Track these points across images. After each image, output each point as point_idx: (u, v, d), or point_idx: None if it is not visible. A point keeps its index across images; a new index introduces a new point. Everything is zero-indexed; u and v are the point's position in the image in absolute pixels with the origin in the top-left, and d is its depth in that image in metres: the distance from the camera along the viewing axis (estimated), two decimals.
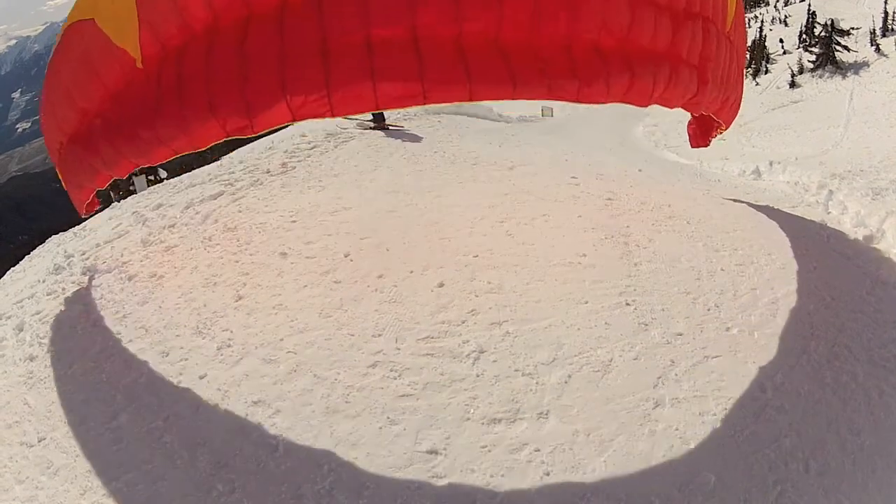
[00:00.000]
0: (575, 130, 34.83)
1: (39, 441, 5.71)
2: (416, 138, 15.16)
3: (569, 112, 48.43)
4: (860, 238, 9.31)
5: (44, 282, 8.60)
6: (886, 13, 45.97)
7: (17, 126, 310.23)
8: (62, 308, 7.77)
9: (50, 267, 9.00)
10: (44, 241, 11.26)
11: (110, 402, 6.03)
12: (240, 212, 10.13)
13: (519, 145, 15.79)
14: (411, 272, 7.72)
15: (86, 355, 6.79)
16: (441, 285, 7.38)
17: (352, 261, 8.12)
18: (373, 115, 16.00)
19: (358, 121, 17.12)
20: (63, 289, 8.26)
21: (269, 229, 9.31)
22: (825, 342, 6.58)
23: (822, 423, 5.52)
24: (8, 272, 10.18)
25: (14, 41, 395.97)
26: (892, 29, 44.97)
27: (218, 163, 15.14)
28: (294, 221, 9.51)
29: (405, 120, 18.11)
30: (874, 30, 44.15)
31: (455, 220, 9.39)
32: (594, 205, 10.08)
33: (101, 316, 7.49)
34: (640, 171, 13.35)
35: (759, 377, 5.94)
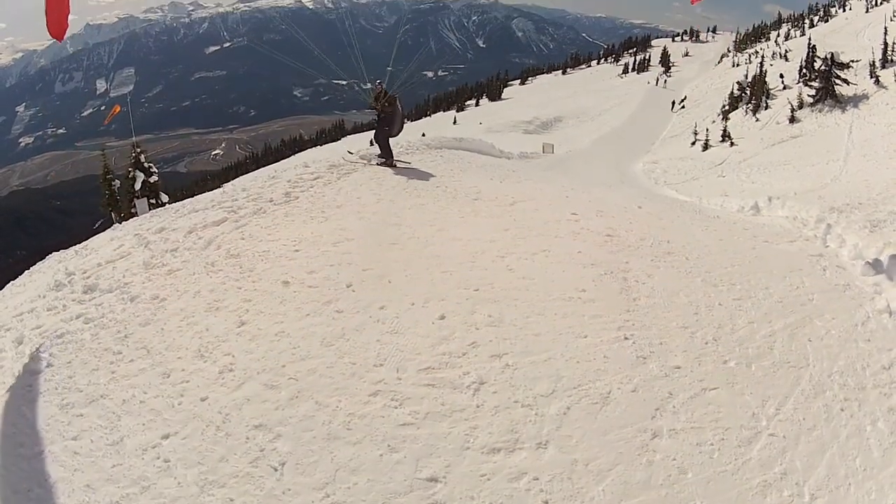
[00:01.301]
0: (575, 167, 35.14)
1: (37, 454, 5.77)
2: (418, 172, 15.24)
3: (569, 149, 48.84)
4: (857, 269, 9.44)
5: (44, 297, 8.71)
6: (886, 44, 46.22)
7: (20, 140, 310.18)
8: (63, 324, 7.86)
9: (51, 283, 9.11)
10: (43, 258, 11.38)
11: (110, 419, 6.12)
12: (243, 239, 10.19)
13: (520, 181, 15.91)
14: (413, 304, 7.77)
15: (86, 372, 6.89)
16: (442, 317, 7.42)
17: (354, 291, 8.16)
18: (380, 150, 16.12)
19: (362, 154, 17.25)
20: (64, 305, 8.36)
21: (272, 257, 9.37)
22: (819, 371, 6.72)
23: (816, 449, 5.63)
24: (7, 285, 10.29)
25: (20, 54, 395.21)
26: (892, 60, 45.09)
27: (221, 189, 15.22)
28: (297, 251, 9.58)
29: (407, 154, 18.22)
30: (874, 62, 44.41)
31: (456, 253, 9.46)
32: (594, 241, 10.16)
33: (102, 334, 7.57)
34: (639, 207, 13.42)
35: (755, 407, 6.05)
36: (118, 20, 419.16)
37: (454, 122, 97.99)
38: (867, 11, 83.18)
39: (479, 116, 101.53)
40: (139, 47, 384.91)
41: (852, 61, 45.02)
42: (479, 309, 7.63)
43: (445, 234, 10.41)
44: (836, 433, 5.83)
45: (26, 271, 10.95)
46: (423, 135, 19.79)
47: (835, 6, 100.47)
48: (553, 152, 45.05)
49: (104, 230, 12.95)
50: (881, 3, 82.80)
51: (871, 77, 43.63)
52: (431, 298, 7.89)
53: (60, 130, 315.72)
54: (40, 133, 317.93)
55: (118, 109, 31.95)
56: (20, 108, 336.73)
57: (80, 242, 11.85)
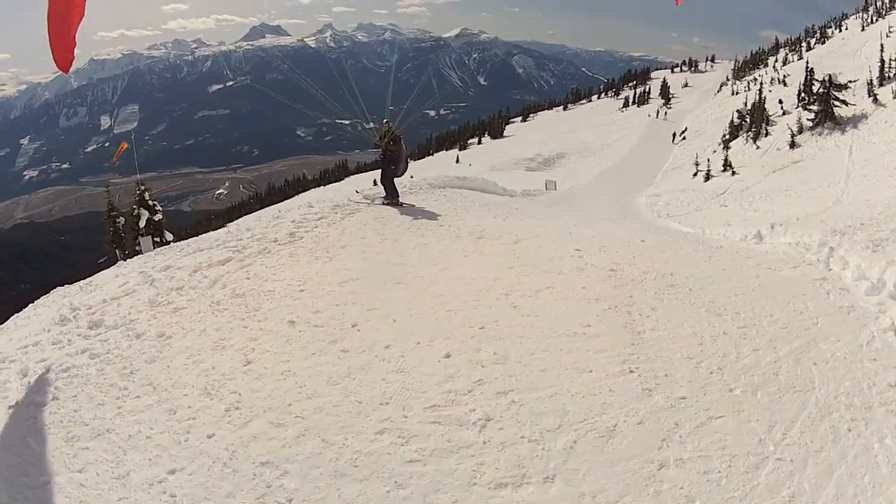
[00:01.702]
0: (578, 203, 35.22)
1: (42, 484, 5.78)
2: (422, 212, 15.35)
3: (571, 185, 48.95)
4: (861, 290, 9.50)
5: (49, 331, 8.75)
6: (883, 61, 46.29)
7: (24, 173, 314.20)
8: (68, 358, 7.89)
9: (55, 317, 9.14)
10: (48, 292, 11.41)
11: (116, 453, 6.13)
12: (248, 278, 10.26)
13: (523, 219, 15.98)
14: (418, 343, 7.80)
15: (91, 406, 6.92)
16: (447, 356, 7.44)
17: (359, 331, 8.20)
18: (385, 190, 16.22)
19: (366, 193, 17.35)
20: (69, 340, 8.39)
21: (278, 297, 9.43)
22: (825, 394, 6.73)
23: (824, 471, 5.61)
24: (12, 318, 10.32)
25: (25, 86, 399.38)
26: (889, 77, 45.14)
27: (225, 229, 15.33)
28: (302, 290, 9.64)
29: (410, 194, 18.33)
30: (871, 80, 44.49)
31: (461, 292, 9.52)
32: (598, 276, 10.24)
33: (108, 370, 7.61)
34: (642, 241, 13.48)
35: (761, 434, 6.04)
36: (122, 56, 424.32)
37: (457, 161, 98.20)
38: (863, 29, 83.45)
39: (481, 154, 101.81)
40: (143, 84, 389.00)
41: (850, 81, 45.25)
42: (485, 347, 7.65)
43: (450, 273, 10.48)
44: (844, 453, 5.83)
45: (30, 305, 10.99)
46: (412, 177, 19.79)
47: (831, 27, 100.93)
48: (556, 189, 45.23)
49: (108, 267, 13.01)
50: (876, 20, 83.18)
51: (870, 96, 43.83)
52: (437, 337, 7.92)
53: (65, 165, 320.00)
54: (45, 167, 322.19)
55: (125, 146, 32.23)
56: (24, 141, 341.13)
57: (84, 278, 11.93)
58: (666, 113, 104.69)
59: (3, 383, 7.37)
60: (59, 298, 10.75)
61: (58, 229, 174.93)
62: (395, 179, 16.29)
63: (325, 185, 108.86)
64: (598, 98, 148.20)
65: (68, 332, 8.59)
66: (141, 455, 6.05)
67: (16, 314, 10.52)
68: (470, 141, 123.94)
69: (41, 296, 11.42)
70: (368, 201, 16.23)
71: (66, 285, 11.61)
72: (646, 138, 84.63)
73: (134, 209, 30.26)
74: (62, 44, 7.65)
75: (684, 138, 79.20)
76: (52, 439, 6.38)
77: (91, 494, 5.63)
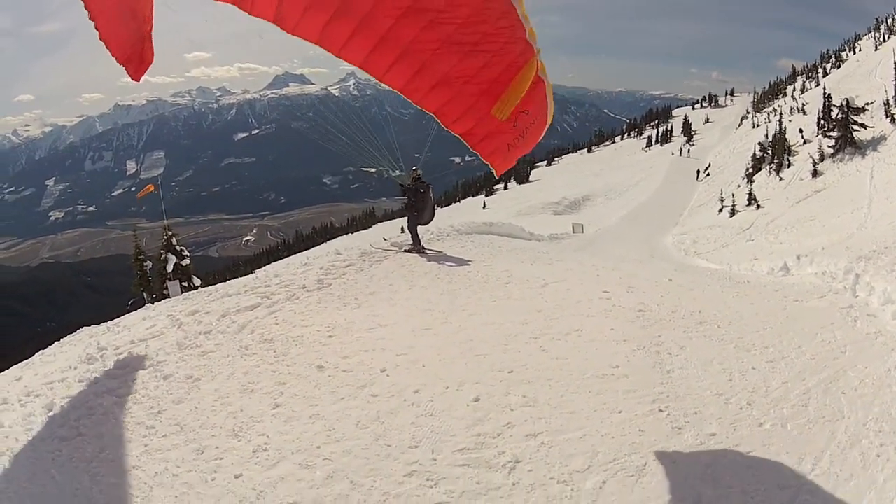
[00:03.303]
0: (605, 245, 35.15)
1: None
2: (449, 258, 15.49)
3: (598, 227, 48.90)
4: (888, 314, 9.51)
5: (75, 369, 8.72)
6: None
7: (49, 214, 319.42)
8: (94, 397, 7.89)
9: (82, 356, 9.14)
10: (73, 332, 11.43)
11: (142, 489, 6.11)
12: (276, 324, 10.33)
13: (551, 263, 16.05)
14: (447, 387, 7.81)
15: (117, 443, 6.90)
16: (476, 400, 7.45)
17: (388, 376, 8.23)
18: (412, 238, 16.33)
19: (393, 241, 17.47)
20: (95, 379, 8.38)
21: (306, 342, 9.49)
22: (854, 423, 6.69)
23: (853, 498, 5.57)
24: (37, 353, 10.34)
25: (49, 128, 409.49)
26: None
27: (253, 275, 15.45)
28: (331, 336, 9.70)
29: (438, 241, 18.51)
30: (888, 100, 44.13)
31: (489, 336, 9.55)
32: (626, 317, 10.27)
33: (135, 409, 7.62)
34: (670, 280, 13.49)
35: (791, 466, 6.01)
36: (147, 102, 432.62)
37: (483, 207, 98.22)
38: (876, 49, 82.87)
39: (508, 200, 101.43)
40: (168, 130, 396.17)
41: (867, 104, 45.00)
42: (514, 390, 7.66)
43: (478, 318, 10.52)
44: (874, 479, 5.78)
45: (56, 343, 11.01)
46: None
47: (845, 49, 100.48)
48: (583, 232, 45.23)
49: (136, 309, 13.13)
50: (888, 38, 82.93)
51: (887, 116, 43.63)
52: (466, 381, 7.93)
53: (91, 208, 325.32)
54: (70, 208, 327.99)
55: (151, 188, 32.61)
56: (50, 182, 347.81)
57: (111, 319, 12.01)
58: (689, 150, 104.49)
59: (28, 416, 7.35)
60: (86, 338, 10.77)
61: (84, 270, 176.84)
62: (420, 227, 16.38)
63: (352, 233, 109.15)
64: (622, 139, 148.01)
65: (95, 371, 8.60)
66: (167, 492, 6.05)
67: (41, 351, 10.58)
68: (496, 187, 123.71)
69: (67, 335, 11.44)
70: (396, 248, 16.38)
71: (93, 325, 11.70)
72: (670, 177, 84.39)
73: (161, 254, 30.39)
74: (129, 39, 7.09)
75: (708, 174, 79.02)
76: (75, 472, 6.36)
77: None
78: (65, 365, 9.03)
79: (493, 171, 6.83)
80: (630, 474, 5.98)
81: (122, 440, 6.96)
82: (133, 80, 7.30)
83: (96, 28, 6.27)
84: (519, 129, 6.25)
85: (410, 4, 5.30)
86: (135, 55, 7.06)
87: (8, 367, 9.95)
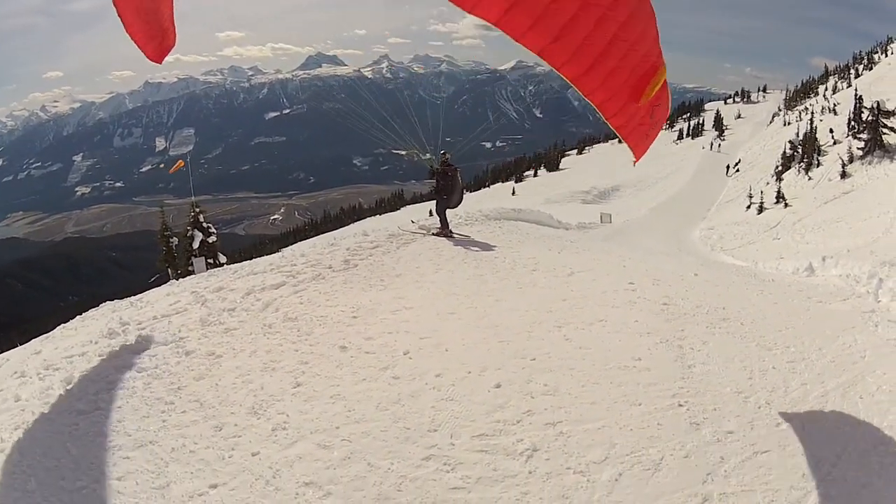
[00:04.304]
0: (633, 236, 34.96)
1: (79, 489, 5.85)
2: (477, 243, 15.50)
3: (626, 218, 48.63)
4: None
5: (96, 343, 8.83)
6: None
7: (76, 189, 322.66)
8: (114, 371, 8.01)
9: (104, 330, 9.26)
10: (96, 306, 11.55)
11: (158, 464, 6.21)
12: (301, 303, 10.44)
13: (578, 252, 16.01)
14: (469, 372, 7.84)
15: (136, 418, 7.01)
16: (498, 386, 7.48)
17: (411, 359, 8.30)
18: (440, 221, 16.35)
19: (421, 224, 17.48)
20: (116, 353, 8.48)
21: (330, 323, 9.58)
22: (872, 428, 6.70)
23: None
24: (59, 327, 10.43)
25: (78, 104, 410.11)
26: None
27: (280, 254, 15.54)
28: (355, 317, 9.80)
29: (466, 225, 18.52)
30: None
31: (514, 323, 9.58)
32: (650, 309, 10.26)
33: (155, 384, 7.73)
34: (695, 275, 13.44)
35: (806, 468, 6.00)
36: (177, 80, 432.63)
37: (513, 193, 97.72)
38: None
39: (537, 187, 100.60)
40: (199, 108, 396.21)
41: None
42: (536, 378, 7.69)
43: (503, 304, 10.56)
44: (890, 484, 5.79)
45: (78, 317, 11.08)
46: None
47: (877, 52, 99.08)
48: (611, 222, 44.91)
49: (159, 285, 13.22)
50: None
51: None
52: (488, 367, 7.97)
53: (118, 184, 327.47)
54: (97, 184, 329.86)
55: (182, 164, 32.69)
56: (77, 158, 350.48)
57: (134, 295, 12.16)
58: (720, 145, 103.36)
59: (46, 389, 7.44)
60: (109, 312, 10.92)
61: (109, 245, 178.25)
62: (449, 211, 16.38)
63: (380, 215, 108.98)
64: None
65: (116, 346, 8.68)
66: (183, 468, 6.14)
67: (63, 324, 10.68)
68: (526, 173, 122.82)
69: (89, 309, 11.57)
70: (424, 231, 16.40)
71: (115, 300, 11.83)
72: (700, 171, 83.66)
73: (188, 230, 30.47)
74: (152, 24, 7.26)
75: (738, 170, 78.25)
76: (92, 447, 6.46)
77: (128, 502, 5.71)
78: (86, 339, 9.16)
79: (635, 157, 7.23)
80: (646, 468, 6.02)
81: (140, 415, 7.07)
82: (154, 61, 7.48)
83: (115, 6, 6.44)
84: (654, 120, 6.84)
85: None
86: (156, 35, 7.22)
87: (29, 341, 10.07)
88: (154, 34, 7.20)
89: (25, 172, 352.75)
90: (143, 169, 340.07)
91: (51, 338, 10.00)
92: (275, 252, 17.02)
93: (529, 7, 5.34)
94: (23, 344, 10.16)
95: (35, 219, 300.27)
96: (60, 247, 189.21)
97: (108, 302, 11.72)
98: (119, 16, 6.46)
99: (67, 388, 7.52)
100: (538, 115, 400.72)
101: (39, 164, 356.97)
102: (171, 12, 7.18)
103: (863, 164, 43.44)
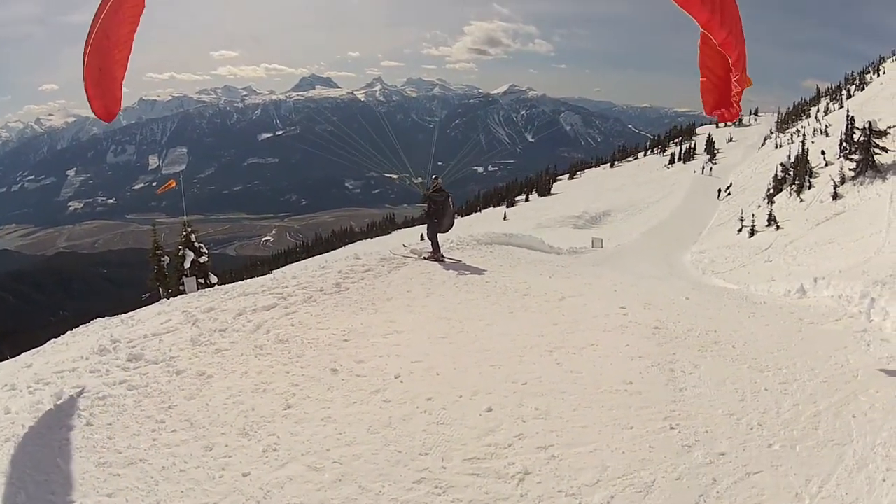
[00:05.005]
0: (624, 261, 35.11)
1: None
2: (468, 268, 15.57)
3: (618, 243, 48.82)
4: None
5: (87, 359, 8.90)
6: None
7: (69, 204, 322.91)
8: (105, 387, 8.04)
9: (94, 347, 9.31)
10: (87, 322, 11.59)
11: (148, 483, 6.19)
12: (292, 325, 10.48)
13: (569, 276, 16.07)
14: (460, 396, 7.84)
15: (126, 435, 7.01)
16: (489, 410, 7.47)
17: (402, 382, 8.30)
18: (431, 246, 16.42)
19: (413, 248, 17.53)
20: (107, 370, 8.56)
21: (321, 345, 9.60)
22: (863, 446, 6.68)
23: None
24: (50, 342, 10.49)
25: (73, 119, 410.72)
26: None
27: (271, 275, 15.58)
28: (346, 340, 9.82)
29: (458, 249, 18.60)
30: None
31: (505, 348, 9.58)
32: (641, 333, 10.29)
33: (146, 402, 7.75)
34: (686, 298, 13.49)
35: (798, 488, 5.98)
36: (171, 98, 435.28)
37: (504, 218, 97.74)
38: None
39: (528, 212, 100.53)
40: (192, 128, 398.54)
41: (889, 127, 44.99)
42: (527, 402, 7.68)
43: (494, 328, 10.58)
44: (878, 503, 5.78)
45: (69, 332, 11.19)
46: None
47: (869, 72, 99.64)
48: (602, 247, 45.06)
49: (152, 303, 13.26)
50: None
51: None
52: (479, 391, 7.97)
53: (111, 200, 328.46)
54: (90, 200, 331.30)
55: (173, 184, 32.80)
56: (70, 173, 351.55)
57: (125, 312, 12.18)
58: (711, 168, 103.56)
59: (36, 404, 7.49)
60: (100, 329, 10.97)
61: (101, 262, 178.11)
62: (440, 235, 16.43)
63: (372, 238, 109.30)
64: (645, 155, 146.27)
65: (107, 363, 8.76)
66: (173, 487, 6.12)
67: (54, 339, 10.71)
68: (518, 198, 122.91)
69: (80, 324, 11.66)
70: (415, 256, 16.46)
71: (106, 317, 11.84)
72: (692, 195, 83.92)
73: (179, 249, 30.58)
74: (105, 88, 7.70)
75: (729, 194, 78.50)
76: (82, 462, 6.46)
77: None
78: (76, 355, 9.24)
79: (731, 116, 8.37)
80: (638, 490, 5.98)
81: (131, 432, 7.07)
82: (102, 119, 8.20)
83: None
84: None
85: None
86: (105, 96, 7.64)
87: (19, 354, 10.08)
88: (103, 95, 7.77)
89: (19, 185, 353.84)
90: (136, 186, 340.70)
91: (42, 352, 10.08)
92: (266, 273, 17.08)
93: None
94: (13, 357, 10.17)
95: (27, 232, 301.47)
96: (52, 261, 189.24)
97: (99, 318, 11.81)
98: (83, 73, 6.88)
99: (57, 402, 7.59)
100: (530, 139, 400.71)
101: (33, 176, 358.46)
102: (122, 78, 7.75)
103: (854, 184, 43.79)
